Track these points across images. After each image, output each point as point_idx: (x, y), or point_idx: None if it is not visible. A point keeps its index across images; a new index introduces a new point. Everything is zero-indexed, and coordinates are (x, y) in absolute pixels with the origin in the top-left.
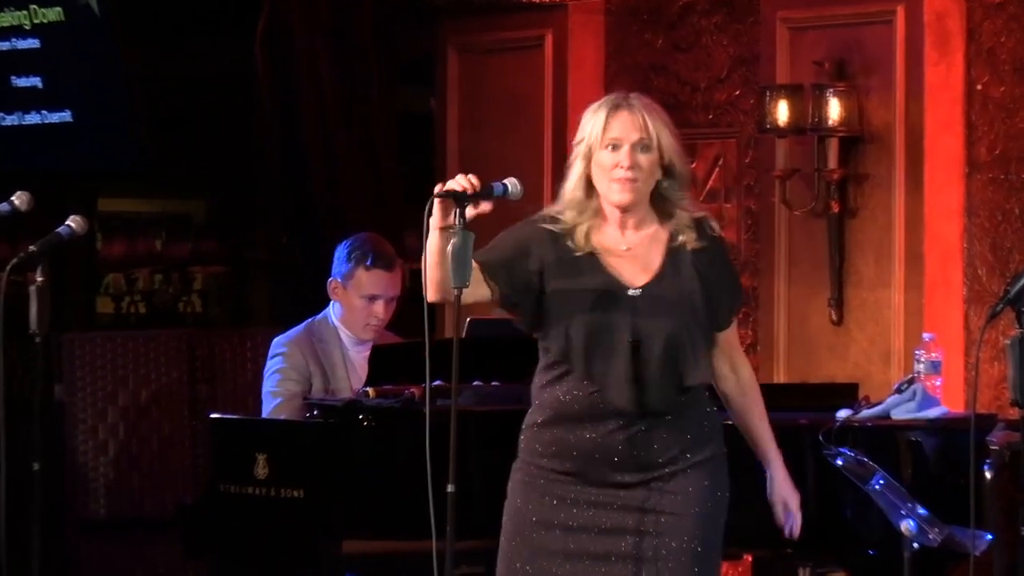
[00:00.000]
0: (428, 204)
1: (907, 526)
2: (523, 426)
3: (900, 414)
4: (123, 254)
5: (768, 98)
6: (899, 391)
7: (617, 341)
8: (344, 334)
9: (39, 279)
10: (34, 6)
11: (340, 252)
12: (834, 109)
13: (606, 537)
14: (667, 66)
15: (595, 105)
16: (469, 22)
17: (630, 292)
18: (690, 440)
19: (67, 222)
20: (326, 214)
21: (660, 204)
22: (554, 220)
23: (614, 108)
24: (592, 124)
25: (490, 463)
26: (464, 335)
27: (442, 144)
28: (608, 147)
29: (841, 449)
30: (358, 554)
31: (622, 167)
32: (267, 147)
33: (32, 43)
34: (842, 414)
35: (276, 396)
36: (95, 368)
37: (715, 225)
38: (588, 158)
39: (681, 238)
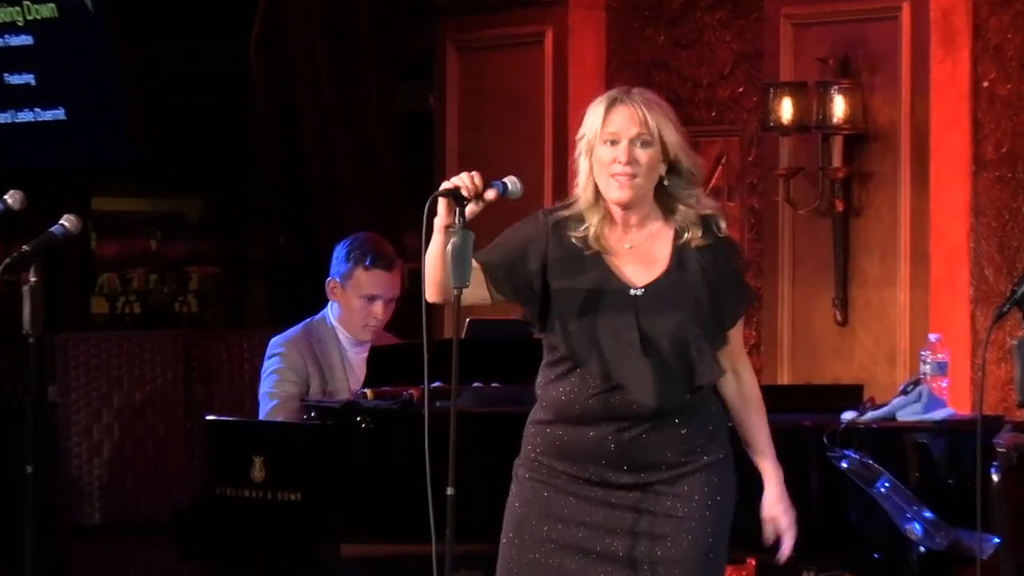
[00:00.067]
0: (429, 203)
1: (913, 529)
2: (527, 422)
3: (906, 416)
4: (118, 254)
5: (772, 95)
6: (905, 392)
7: (621, 341)
8: (342, 335)
9: (32, 279)
10: (27, 2)
11: (339, 251)
12: (838, 106)
13: (608, 537)
14: (669, 63)
15: (597, 100)
16: (468, 19)
17: (631, 292)
18: (696, 442)
19: (61, 221)
20: (324, 214)
21: (665, 201)
22: (561, 216)
23: (612, 103)
24: (592, 119)
25: (490, 465)
26: (463, 336)
27: (441, 143)
28: (606, 142)
29: (846, 451)
30: (356, 558)
31: (620, 162)
32: (264, 145)
33: (25, 40)
34: (847, 416)
35: (273, 397)
36: (89, 369)
37: (723, 224)
38: (590, 154)
39: (687, 235)
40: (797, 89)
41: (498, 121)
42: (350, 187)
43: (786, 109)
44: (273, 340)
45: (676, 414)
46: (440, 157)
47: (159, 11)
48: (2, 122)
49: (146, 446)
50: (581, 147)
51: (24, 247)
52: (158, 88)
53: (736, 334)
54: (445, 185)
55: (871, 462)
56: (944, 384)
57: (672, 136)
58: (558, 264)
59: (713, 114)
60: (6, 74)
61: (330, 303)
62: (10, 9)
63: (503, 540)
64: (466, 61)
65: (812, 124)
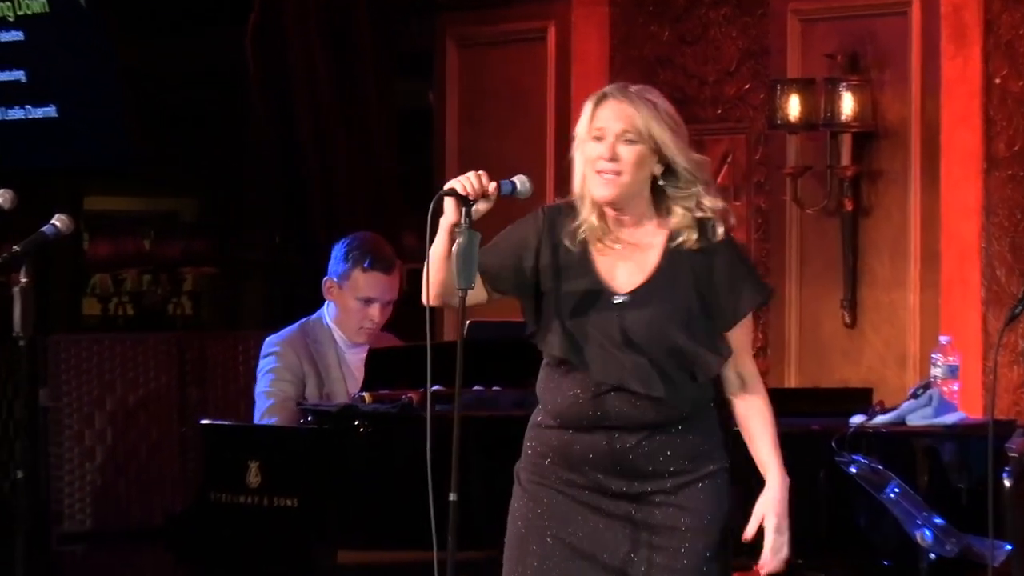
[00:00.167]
0: (433, 202)
1: (923, 536)
2: (528, 425)
3: (916, 420)
4: (110, 254)
5: (779, 92)
6: (915, 396)
7: (607, 345)
8: (338, 335)
9: (23, 280)
10: None
11: (337, 251)
12: (847, 104)
13: (609, 546)
14: (674, 59)
15: (591, 95)
16: (469, 14)
17: (616, 299)
18: (695, 452)
19: (52, 221)
20: (322, 213)
21: (662, 201)
22: (557, 214)
23: (603, 98)
24: (583, 114)
25: (491, 470)
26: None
27: (441, 141)
28: (593, 138)
29: (855, 456)
30: (353, 564)
31: (603, 158)
32: (261, 143)
33: (15, 35)
34: (856, 420)
35: (269, 396)
36: (81, 372)
37: (721, 229)
38: (582, 150)
39: (680, 239)
40: (805, 86)
41: (499, 119)
42: (348, 186)
43: (793, 106)
44: (268, 339)
45: (674, 423)
46: (440, 155)
47: (153, 7)
48: None
49: (139, 451)
50: (575, 144)
51: (15, 247)
52: (152, 85)
53: (739, 335)
54: (451, 184)
55: (880, 467)
56: (955, 387)
57: (664, 134)
58: (549, 266)
59: (719, 112)
60: None
61: (326, 303)
62: (1, 4)
63: (506, 546)
64: (466, 57)
65: (820, 122)
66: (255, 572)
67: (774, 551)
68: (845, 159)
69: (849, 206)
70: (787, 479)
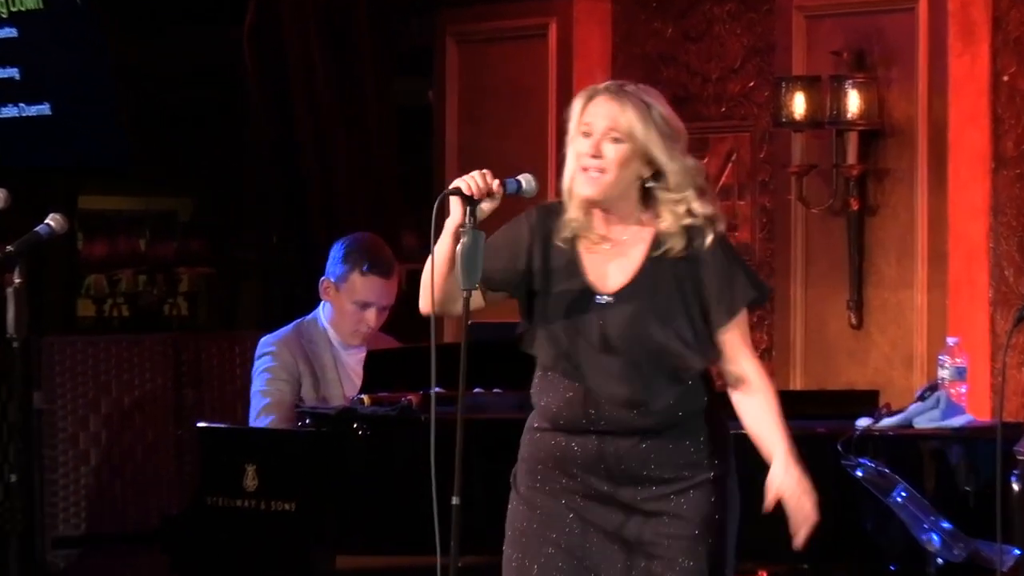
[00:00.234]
0: (437, 203)
1: (930, 540)
2: (524, 428)
3: (923, 423)
4: (105, 254)
5: (784, 90)
6: (922, 398)
7: (590, 347)
8: (334, 336)
9: (17, 280)
10: None
11: (336, 251)
12: (853, 102)
13: (607, 553)
14: (677, 56)
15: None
16: (469, 11)
17: (598, 299)
18: (694, 457)
19: (46, 221)
20: (320, 212)
21: (651, 204)
22: (547, 212)
23: (594, 94)
24: (575, 109)
25: (492, 473)
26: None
27: (441, 139)
28: (582, 133)
29: (861, 459)
30: (352, 570)
31: (587, 155)
32: (258, 141)
33: (9, 32)
34: (862, 423)
35: (265, 395)
36: (76, 374)
37: (710, 237)
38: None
39: (666, 245)
40: (810, 83)
41: (500, 117)
42: (347, 185)
43: (799, 104)
44: (263, 339)
45: (666, 428)
46: (440, 154)
47: (149, 3)
48: None
49: (135, 454)
50: (567, 140)
51: (8, 247)
52: (147, 83)
53: (734, 330)
54: (455, 183)
55: (887, 470)
56: (963, 389)
57: (650, 136)
58: (540, 266)
59: (723, 110)
60: None
61: (322, 303)
62: None
63: (504, 554)
64: (466, 54)
65: (826, 120)
66: None
67: (800, 523)
68: (851, 158)
69: (855, 205)
70: (792, 449)
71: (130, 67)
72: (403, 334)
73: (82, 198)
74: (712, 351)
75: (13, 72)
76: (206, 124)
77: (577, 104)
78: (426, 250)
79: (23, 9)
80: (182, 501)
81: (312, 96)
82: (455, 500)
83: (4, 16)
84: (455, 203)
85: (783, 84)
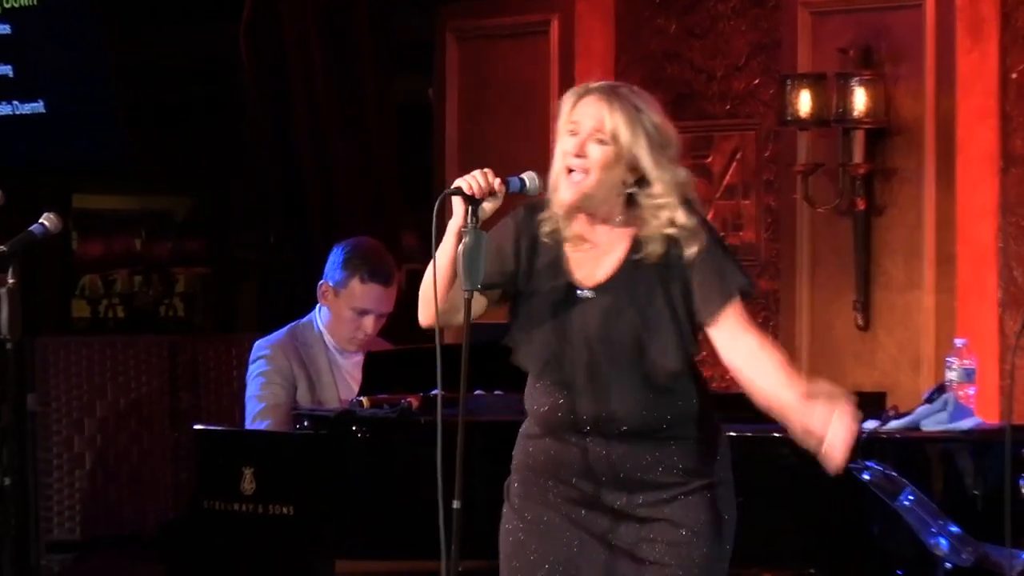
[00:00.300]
0: (438, 204)
1: (938, 545)
2: (518, 434)
3: (931, 425)
4: (100, 254)
5: (789, 88)
6: (929, 400)
7: (574, 350)
8: (329, 340)
9: (10, 281)
10: None
11: (336, 255)
12: (860, 100)
13: (602, 561)
14: (681, 53)
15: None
16: (470, 6)
17: (580, 294)
18: (690, 463)
19: (40, 220)
20: (319, 211)
21: (632, 207)
22: (534, 211)
23: (585, 93)
24: (564, 106)
25: (494, 476)
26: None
27: (441, 137)
28: (568, 132)
29: (868, 463)
30: (352, 574)
31: (571, 154)
32: (256, 140)
33: (3, 29)
34: (869, 425)
35: (260, 400)
36: (70, 376)
37: (694, 249)
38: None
39: (644, 251)
40: (816, 81)
41: (501, 114)
42: (347, 184)
43: (804, 102)
44: (258, 343)
45: (655, 432)
46: (440, 153)
47: None
48: None
49: (130, 457)
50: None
51: (2, 247)
52: (143, 80)
53: (731, 318)
54: (457, 183)
55: (894, 474)
56: (971, 392)
57: (636, 142)
58: (526, 267)
59: (727, 107)
60: None
61: (319, 306)
62: None
63: (500, 563)
64: (467, 51)
65: (832, 118)
66: None
67: (838, 446)
68: (858, 156)
69: (862, 205)
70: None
71: (126, 64)
72: (403, 336)
73: (77, 197)
74: (687, 355)
75: (7, 69)
76: (203, 122)
77: (567, 102)
78: (427, 250)
79: (17, 6)
80: (178, 505)
81: (312, 96)
82: (456, 504)
83: None
84: (456, 203)
85: (788, 82)
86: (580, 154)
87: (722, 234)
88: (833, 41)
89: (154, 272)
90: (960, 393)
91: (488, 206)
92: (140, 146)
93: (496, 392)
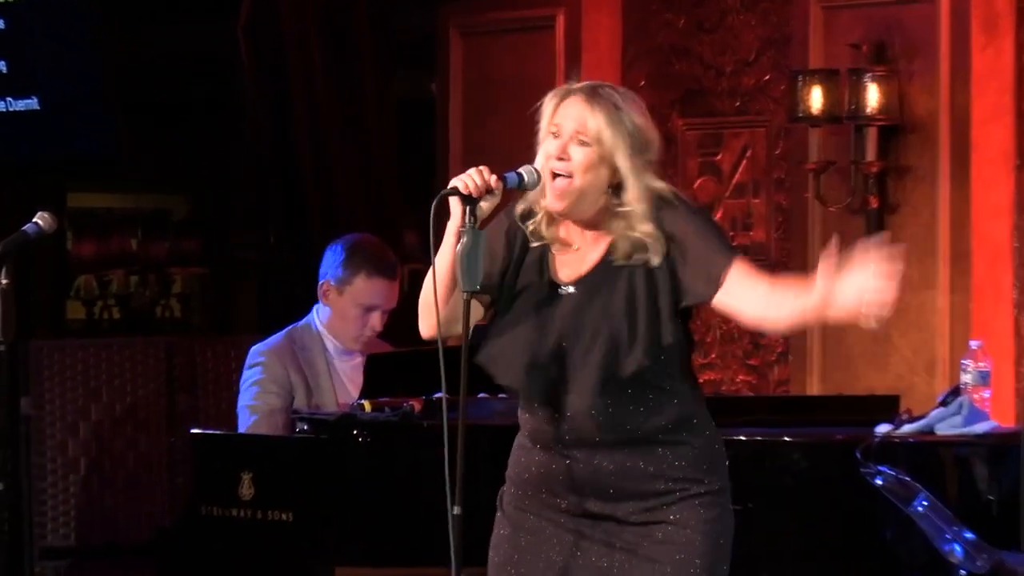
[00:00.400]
0: (434, 205)
1: (953, 551)
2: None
3: (945, 429)
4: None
5: (800, 84)
6: (944, 404)
7: (548, 347)
8: (330, 342)
9: (4, 281)
10: None
11: (335, 253)
12: (872, 96)
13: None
14: (690, 48)
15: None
16: (472, 2)
17: (560, 290)
18: (680, 473)
19: (34, 219)
20: (319, 211)
21: (612, 220)
22: (520, 212)
23: (567, 94)
24: (546, 108)
25: (498, 481)
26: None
27: (444, 135)
28: (551, 134)
29: (881, 467)
30: None
31: (553, 157)
32: (254, 137)
33: None
34: (882, 429)
35: (254, 412)
36: (65, 379)
37: (656, 259)
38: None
39: (616, 253)
40: (828, 77)
41: (505, 111)
42: (346, 184)
43: (816, 99)
44: (253, 349)
45: (647, 440)
46: (443, 151)
47: None
48: None
49: (126, 462)
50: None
51: None
52: (139, 76)
53: (740, 279)
54: (452, 183)
55: (908, 479)
56: (986, 395)
57: (616, 143)
58: (515, 265)
59: (737, 104)
60: None
61: (317, 307)
62: None
63: (489, 571)
64: (471, 46)
65: (844, 115)
66: None
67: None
68: (870, 154)
69: (874, 204)
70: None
71: (121, 60)
72: (405, 338)
73: (72, 196)
74: (657, 355)
75: (1, 65)
76: (200, 120)
77: (549, 104)
78: (428, 250)
79: (11, 0)
80: (175, 511)
81: (311, 95)
82: (457, 510)
83: None
84: (454, 203)
85: (800, 77)
86: (562, 157)
87: (708, 211)
88: (845, 36)
89: (151, 272)
90: (975, 396)
91: (486, 204)
92: (136, 144)
93: (501, 395)
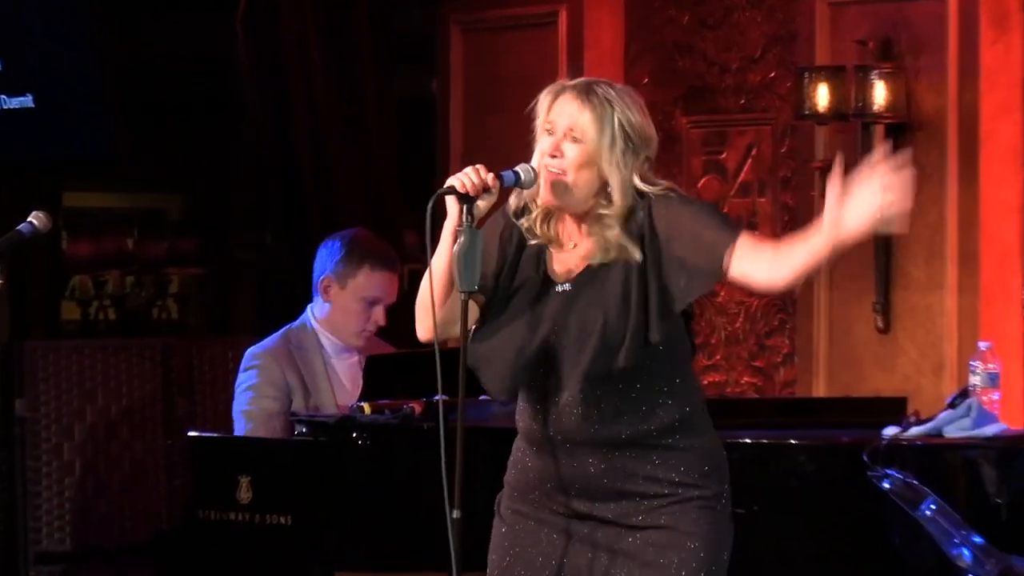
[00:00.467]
0: (431, 204)
1: (961, 556)
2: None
3: (953, 431)
4: (91, 254)
5: (806, 81)
6: (952, 406)
7: (540, 345)
8: (326, 340)
9: None
10: None
11: (333, 249)
12: (880, 93)
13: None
14: (694, 45)
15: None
16: None
17: (556, 288)
18: (673, 476)
19: (29, 219)
20: (318, 210)
21: (593, 222)
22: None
23: (561, 91)
24: (541, 105)
25: (498, 484)
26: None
27: (445, 134)
28: (545, 131)
29: (888, 471)
30: None
31: (547, 154)
32: (252, 135)
33: None
34: (889, 432)
35: (250, 418)
36: (60, 381)
37: (638, 255)
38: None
39: (598, 255)
40: (834, 74)
41: (506, 109)
42: (345, 183)
43: (822, 96)
44: (248, 352)
45: (643, 441)
46: (444, 149)
47: None
48: None
49: (122, 465)
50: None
51: None
52: (136, 73)
53: (744, 251)
54: (448, 182)
55: (915, 482)
56: (995, 397)
57: (603, 142)
58: (510, 263)
59: (742, 101)
60: None
61: (311, 306)
62: None
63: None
64: (472, 43)
65: (851, 112)
66: None
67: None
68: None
69: None
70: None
71: (118, 56)
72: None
73: (66, 195)
74: (641, 356)
75: None
76: (197, 117)
77: (544, 100)
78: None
79: None
80: (172, 515)
81: (311, 94)
82: (456, 514)
83: None
84: (450, 203)
85: (806, 74)
86: (555, 154)
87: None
88: (852, 32)
89: (147, 273)
90: (984, 398)
91: (483, 203)
92: (132, 142)
93: None
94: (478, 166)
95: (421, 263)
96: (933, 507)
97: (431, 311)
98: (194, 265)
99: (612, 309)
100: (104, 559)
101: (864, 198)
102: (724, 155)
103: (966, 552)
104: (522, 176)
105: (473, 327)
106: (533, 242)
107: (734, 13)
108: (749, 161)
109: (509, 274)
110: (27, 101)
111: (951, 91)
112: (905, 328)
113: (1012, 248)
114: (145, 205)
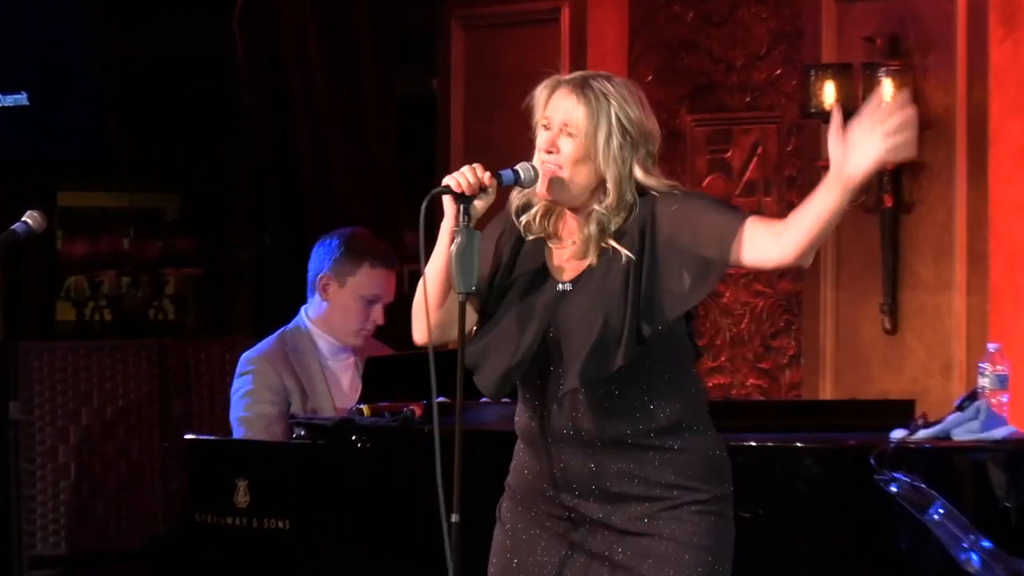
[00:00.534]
0: (426, 203)
1: (970, 560)
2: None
3: (962, 434)
4: (86, 254)
5: (813, 78)
6: (961, 408)
7: (538, 345)
8: (322, 340)
9: None
10: None
11: (331, 247)
12: (887, 91)
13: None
14: (699, 42)
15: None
16: None
17: (558, 287)
18: (672, 478)
19: (23, 218)
20: (316, 210)
21: (586, 219)
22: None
23: (557, 86)
24: (538, 100)
25: (498, 487)
26: None
27: (445, 131)
28: (542, 126)
29: (895, 474)
30: None
31: (543, 150)
32: (250, 134)
33: None
34: (896, 434)
35: (248, 425)
36: (55, 382)
37: (624, 252)
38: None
39: (605, 251)
40: (841, 71)
41: (508, 107)
42: (345, 182)
43: (829, 93)
44: (243, 357)
45: (640, 442)
46: (444, 148)
47: None
48: None
49: (118, 468)
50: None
51: None
52: (132, 71)
53: (754, 227)
54: (445, 181)
55: (923, 486)
56: (1004, 399)
57: (598, 137)
58: (507, 262)
59: (748, 99)
60: None
61: (305, 307)
62: None
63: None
64: (472, 40)
65: (857, 110)
66: None
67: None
68: None
69: (889, 202)
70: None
71: (114, 54)
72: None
73: (62, 194)
74: (637, 354)
75: None
76: (194, 116)
77: (541, 95)
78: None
79: None
80: (169, 518)
81: (310, 94)
82: (455, 517)
83: None
84: (447, 202)
85: (812, 72)
86: (551, 149)
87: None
88: (859, 29)
89: (143, 273)
90: (993, 400)
91: (480, 203)
92: (128, 141)
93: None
94: (475, 165)
95: (421, 263)
96: (941, 511)
97: (426, 317)
98: (191, 265)
99: (612, 308)
100: (99, 563)
101: (868, 141)
102: (729, 153)
103: (975, 557)
104: (522, 175)
105: (473, 328)
106: (531, 238)
107: (739, 9)
108: (754, 159)
109: (506, 273)
110: (21, 99)
111: (960, 89)
112: (913, 329)
113: (1021, 248)
114: (141, 204)
